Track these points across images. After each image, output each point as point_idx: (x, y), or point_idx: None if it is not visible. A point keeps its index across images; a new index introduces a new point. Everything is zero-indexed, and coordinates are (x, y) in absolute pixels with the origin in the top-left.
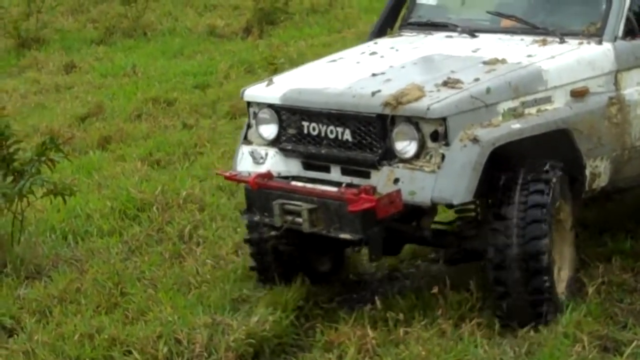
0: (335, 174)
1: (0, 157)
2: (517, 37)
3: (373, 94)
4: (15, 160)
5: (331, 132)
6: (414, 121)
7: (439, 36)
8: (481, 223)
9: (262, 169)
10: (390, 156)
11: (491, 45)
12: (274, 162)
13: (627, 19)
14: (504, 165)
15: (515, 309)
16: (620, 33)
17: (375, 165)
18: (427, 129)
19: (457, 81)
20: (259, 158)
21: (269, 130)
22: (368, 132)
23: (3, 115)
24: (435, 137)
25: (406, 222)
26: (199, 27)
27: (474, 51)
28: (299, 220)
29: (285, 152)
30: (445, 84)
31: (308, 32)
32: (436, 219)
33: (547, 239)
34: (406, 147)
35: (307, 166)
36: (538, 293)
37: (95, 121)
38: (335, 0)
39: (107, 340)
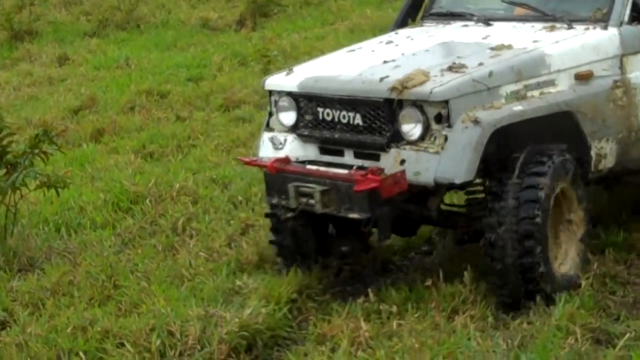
0: (348, 157)
1: None
2: (528, 25)
3: (381, 79)
4: (8, 153)
5: (344, 117)
6: (418, 104)
7: (456, 25)
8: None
9: (281, 154)
10: (397, 139)
11: (502, 32)
12: (293, 148)
13: (634, 5)
14: (512, 147)
15: (510, 287)
16: (626, 18)
17: (384, 148)
18: (431, 112)
19: (462, 66)
20: (278, 144)
21: (288, 117)
22: (377, 116)
23: None
24: (438, 119)
25: (417, 203)
26: (192, 19)
27: (484, 38)
28: (312, 201)
29: (303, 138)
30: (450, 68)
31: (301, 24)
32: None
33: (539, 219)
34: (412, 129)
35: (323, 151)
36: (530, 272)
37: (89, 114)
38: None
39: (100, 333)
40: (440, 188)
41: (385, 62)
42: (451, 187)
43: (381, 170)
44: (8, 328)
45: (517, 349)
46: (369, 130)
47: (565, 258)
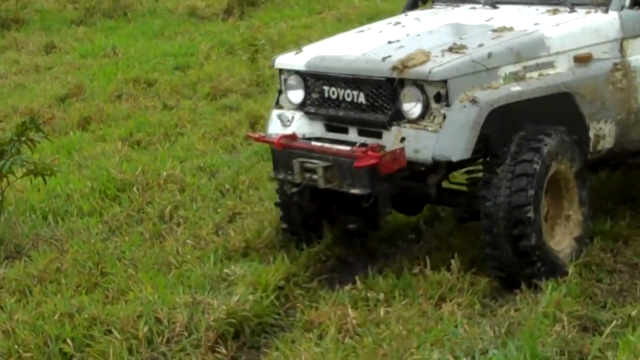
0: (352, 134)
1: None
2: (532, 8)
3: (384, 59)
4: None
5: (348, 95)
6: (419, 84)
7: (464, 8)
8: None
9: (289, 131)
10: (398, 117)
11: (506, 15)
12: (300, 125)
13: None
14: (512, 128)
15: (504, 262)
16: (627, 3)
17: (386, 126)
18: (431, 91)
19: (462, 47)
20: (286, 121)
21: (296, 95)
22: (379, 95)
23: None
24: (438, 98)
25: (418, 181)
26: (180, 8)
27: (488, 20)
28: (315, 177)
29: (309, 115)
30: (450, 49)
31: (289, 13)
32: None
33: (532, 190)
34: (412, 108)
35: (328, 128)
36: (524, 247)
37: (76, 102)
38: None
39: (88, 320)
40: (439, 166)
41: (389, 42)
42: (450, 165)
43: (381, 147)
44: None
45: (505, 336)
46: (371, 108)
47: (557, 246)
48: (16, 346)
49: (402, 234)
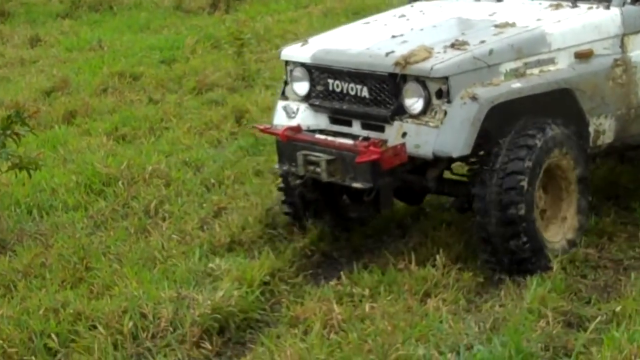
0: (356, 127)
1: None
2: (536, 2)
3: (387, 54)
4: None
5: (352, 89)
6: (421, 80)
7: (469, 1)
8: None
9: (294, 122)
10: (401, 112)
11: (509, 9)
12: (305, 117)
13: None
14: (512, 123)
15: (497, 255)
16: None
17: (388, 120)
18: (432, 87)
19: (464, 43)
20: (291, 112)
21: (302, 87)
22: (382, 90)
23: None
24: (439, 94)
25: (419, 174)
26: (166, 1)
27: (490, 15)
28: (319, 170)
29: (314, 108)
30: (452, 45)
31: (274, 7)
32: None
33: (523, 183)
34: (414, 103)
35: (333, 120)
36: (515, 244)
37: (61, 95)
38: None
39: (72, 315)
40: (439, 161)
41: (393, 36)
42: (450, 160)
43: (383, 142)
44: None
45: (489, 331)
46: (374, 102)
47: (550, 239)
48: (1, 341)
49: (388, 229)
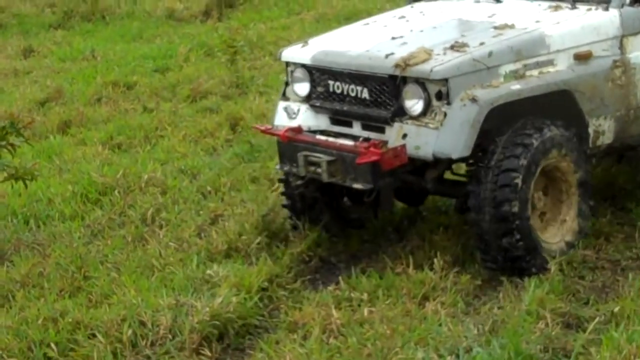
0: (356, 128)
1: None
2: (535, 3)
3: (387, 56)
4: None
5: (352, 90)
6: (420, 82)
7: (469, 2)
8: None
9: (295, 123)
10: (401, 113)
11: (509, 10)
12: (306, 117)
13: None
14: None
15: (490, 252)
16: (627, 0)
17: (388, 122)
18: (432, 89)
19: (464, 45)
20: (292, 113)
21: (302, 88)
22: (382, 91)
23: None
24: (439, 96)
25: (419, 175)
26: (158, 10)
27: (490, 16)
28: (319, 170)
29: (315, 108)
30: (452, 47)
31: (267, 14)
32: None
33: (517, 180)
34: (414, 105)
35: (333, 121)
36: (508, 242)
37: (55, 105)
38: None
39: (71, 324)
40: (439, 162)
41: (393, 38)
42: (450, 161)
43: (383, 143)
44: None
45: (488, 334)
46: (375, 104)
47: (548, 240)
48: (0, 351)
49: (385, 233)
